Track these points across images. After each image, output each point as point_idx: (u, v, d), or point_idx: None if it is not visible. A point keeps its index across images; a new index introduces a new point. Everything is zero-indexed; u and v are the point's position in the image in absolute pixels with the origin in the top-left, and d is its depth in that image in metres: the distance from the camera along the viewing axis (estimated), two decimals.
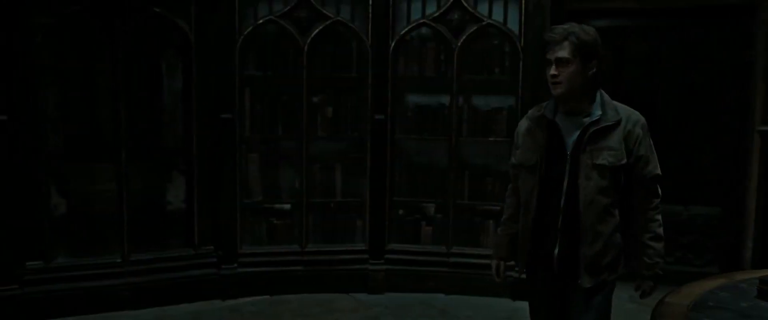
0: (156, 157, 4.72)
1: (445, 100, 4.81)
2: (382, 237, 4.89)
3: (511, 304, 4.53)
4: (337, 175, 4.94)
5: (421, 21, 4.73)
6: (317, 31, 4.65)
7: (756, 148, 4.49)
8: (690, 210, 5.03)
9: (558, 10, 4.41)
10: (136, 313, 4.35)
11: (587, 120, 2.44)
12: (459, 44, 4.68)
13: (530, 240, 2.57)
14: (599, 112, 2.44)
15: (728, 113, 4.81)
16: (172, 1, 4.36)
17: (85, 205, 4.47)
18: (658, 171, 2.50)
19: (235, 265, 4.71)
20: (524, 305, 2.71)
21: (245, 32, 4.58)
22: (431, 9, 4.72)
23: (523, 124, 2.63)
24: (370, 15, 4.68)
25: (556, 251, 2.49)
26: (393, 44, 4.73)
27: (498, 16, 4.68)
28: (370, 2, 4.66)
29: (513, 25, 4.65)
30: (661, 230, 2.53)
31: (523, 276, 2.69)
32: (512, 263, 2.76)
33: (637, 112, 2.50)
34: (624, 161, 2.42)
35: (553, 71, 2.41)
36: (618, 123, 2.43)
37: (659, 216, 2.53)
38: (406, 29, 4.75)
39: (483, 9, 4.68)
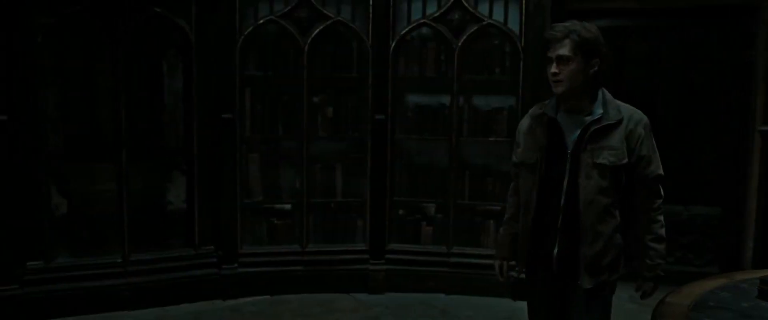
0: (156, 156, 4.72)
1: (446, 100, 4.81)
2: (383, 237, 4.89)
3: (511, 304, 4.53)
4: (338, 175, 4.94)
5: (422, 21, 4.73)
6: (318, 31, 4.65)
7: (756, 148, 4.50)
8: (690, 210, 5.03)
9: (558, 10, 4.42)
10: (136, 313, 4.35)
11: (589, 118, 2.43)
12: (459, 44, 4.68)
13: (530, 239, 2.56)
14: (601, 111, 2.43)
15: (729, 113, 4.82)
16: (173, 1, 4.36)
17: (85, 205, 4.47)
18: (661, 171, 2.49)
19: (236, 265, 4.71)
20: (525, 305, 2.71)
21: (246, 32, 4.58)
22: (432, 9, 4.72)
23: (525, 122, 2.62)
24: (371, 15, 4.68)
25: (556, 251, 2.48)
26: (393, 44, 4.73)
27: (498, 16, 4.68)
28: (371, 2, 4.66)
29: (513, 25, 4.65)
30: (662, 231, 2.52)
31: (523, 275, 2.68)
32: (514, 263, 2.75)
33: (640, 112, 2.48)
34: (625, 160, 2.40)
35: (553, 69, 2.40)
36: (619, 122, 2.41)
37: (661, 217, 2.52)
38: (407, 29, 4.75)
39: (483, 9, 4.68)
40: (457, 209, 4.86)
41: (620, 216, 2.47)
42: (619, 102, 2.48)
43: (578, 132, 2.44)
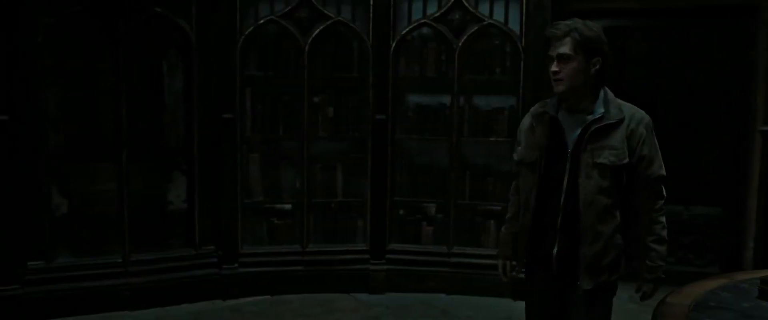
0: (157, 156, 4.72)
1: (446, 100, 4.80)
2: (383, 237, 4.89)
3: (512, 304, 4.53)
4: (338, 175, 4.94)
5: (422, 21, 4.73)
6: (318, 31, 4.65)
7: (757, 148, 4.50)
8: (691, 211, 5.02)
9: (559, 10, 4.41)
10: (137, 313, 4.35)
11: (590, 118, 2.41)
12: (460, 44, 4.68)
13: (529, 239, 2.55)
14: (602, 110, 2.41)
15: (729, 113, 4.82)
16: (173, 1, 4.36)
17: (86, 205, 4.47)
18: (663, 172, 2.46)
19: (236, 265, 4.71)
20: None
21: (246, 32, 4.58)
22: (432, 9, 4.72)
23: (526, 120, 2.60)
24: (371, 15, 4.68)
25: (555, 251, 2.46)
26: (394, 44, 4.73)
27: (499, 16, 4.68)
28: (371, 2, 4.65)
29: (514, 25, 4.65)
30: (664, 233, 2.49)
31: (523, 275, 2.67)
32: (516, 262, 2.73)
33: (643, 111, 2.46)
34: (626, 160, 2.38)
35: (554, 68, 2.38)
36: (621, 121, 2.39)
37: (663, 219, 2.50)
38: (407, 29, 4.75)
39: (484, 9, 4.68)
40: (458, 209, 4.86)
41: (621, 216, 2.46)
42: (621, 101, 2.46)
43: (579, 131, 2.42)
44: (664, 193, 2.49)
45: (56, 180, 4.35)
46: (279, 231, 4.89)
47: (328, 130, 4.87)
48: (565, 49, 2.36)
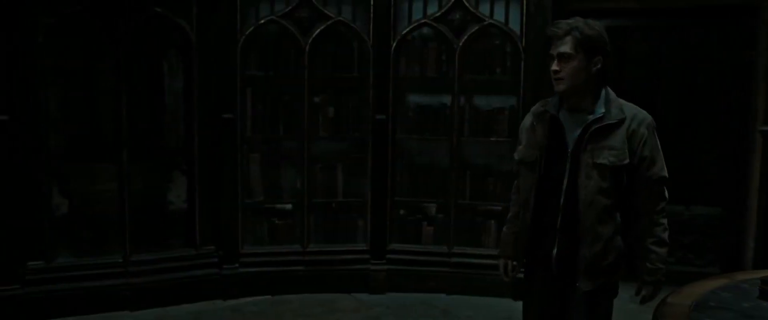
0: (157, 157, 4.71)
1: (447, 100, 4.80)
2: (384, 237, 4.89)
3: (512, 304, 4.53)
4: (339, 175, 4.94)
5: (423, 21, 4.73)
6: (319, 31, 4.65)
7: (757, 148, 4.49)
8: (691, 210, 5.02)
9: (559, 10, 4.41)
10: (137, 313, 4.35)
11: (591, 117, 2.39)
12: (460, 44, 4.68)
13: (529, 239, 2.54)
14: (602, 110, 2.38)
15: (729, 113, 4.81)
16: (174, 1, 4.36)
17: (86, 205, 4.47)
18: (665, 173, 2.43)
19: (237, 265, 4.71)
20: None
21: (247, 32, 4.58)
22: (433, 9, 4.72)
23: (528, 119, 2.58)
24: (372, 15, 4.68)
25: (555, 251, 2.45)
26: (394, 44, 4.73)
27: (499, 16, 4.68)
28: (372, 2, 4.65)
29: (514, 25, 4.65)
30: (665, 235, 2.46)
31: (522, 274, 2.66)
32: (517, 262, 2.72)
33: (645, 112, 2.43)
34: (626, 161, 2.36)
35: (554, 67, 2.37)
36: (622, 121, 2.37)
37: (664, 221, 2.46)
38: (408, 29, 4.74)
39: (484, 9, 4.68)
40: (458, 209, 4.86)
41: (622, 217, 2.43)
42: (623, 101, 2.43)
43: (579, 131, 2.40)
44: (666, 195, 2.46)
45: (56, 180, 4.35)
46: (279, 231, 4.89)
47: (329, 129, 4.87)
48: (565, 47, 2.34)
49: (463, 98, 4.81)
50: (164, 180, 4.74)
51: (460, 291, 4.79)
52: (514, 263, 2.72)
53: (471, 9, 4.65)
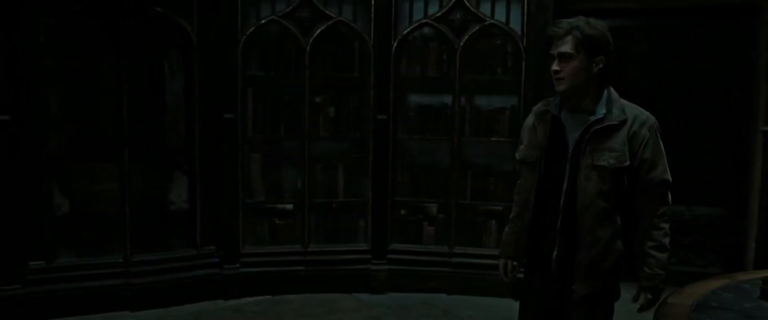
0: (158, 157, 4.71)
1: (448, 100, 4.80)
2: (385, 237, 4.89)
3: (513, 304, 4.47)
4: (340, 175, 4.94)
5: (424, 21, 4.73)
6: (319, 31, 4.65)
7: (759, 148, 4.49)
8: (692, 211, 5.02)
9: (560, 10, 4.40)
10: (138, 314, 4.34)
11: (591, 118, 2.35)
12: (461, 44, 4.68)
13: (529, 239, 2.52)
14: (603, 111, 2.35)
15: (730, 113, 4.81)
16: (174, 0, 4.36)
17: (87, 205, 4.47)
18: (667, 176, 2.37)
19: (238, 265, 4.71)
20: None
21: (248, 32, 4.58)
22: (433, 9, 4.72)
23: (530, 119, 2.55)
24: (373, 15, 4.67)
25: (555, 253, 2.43)
26: (395, 44, 4.73)
27: (500, 16, 4.68)
28: (373, 2, 4.65)
29: (515, 25, 4.65)
30: (665, 240, 2.38)
31: (521, 274, 2.64)
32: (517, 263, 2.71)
33: (648, 113, 2.38)
34: (626, 163, 2.32)
35: (555, 67, 2.34)
36: (623, 123, 2.33)
37: (665, 225, 2.39)
38: (409, 29, 4.74)
39: (485, 9, 4.67)
40: (459, 209, 4.86)
41: (622, 221, 2.38)
42: (625, 102, 2.39)
43: (580, 132, 2.37)
44: (669, 199, 2.40)
45: (57, 180, 4.35)
46: (280, 231, 4.89)
47: (330, 130, 4.87)
48: (566, 47, 2.31)
49: (464, 98, 4.81)
50: (165, 181, 4.74)
51: (460, 291, 4.78)
52: (515, 263, 2.69)
53: (472, 9, 4.65)
